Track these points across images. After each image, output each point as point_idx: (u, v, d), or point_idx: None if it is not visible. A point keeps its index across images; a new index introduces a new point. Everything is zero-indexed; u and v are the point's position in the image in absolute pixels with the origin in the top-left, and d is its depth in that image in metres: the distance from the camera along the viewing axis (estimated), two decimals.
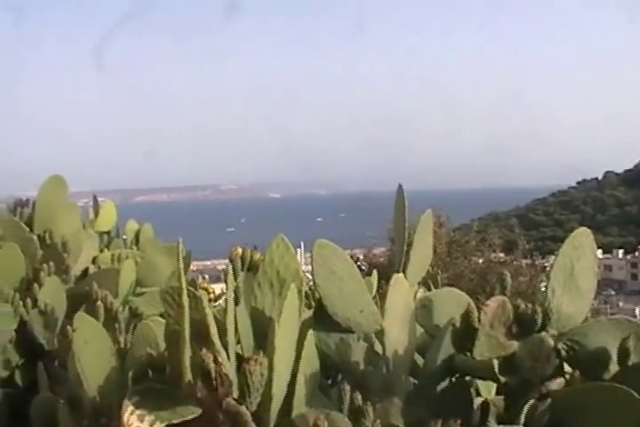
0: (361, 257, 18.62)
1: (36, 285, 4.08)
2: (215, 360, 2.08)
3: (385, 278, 3.64)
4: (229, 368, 2.17)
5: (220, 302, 6.14)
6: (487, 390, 2.89)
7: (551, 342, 2.58)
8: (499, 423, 2.64)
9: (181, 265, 2.39)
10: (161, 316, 3.49)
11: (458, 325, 2.71)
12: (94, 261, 4.54)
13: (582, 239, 2.78)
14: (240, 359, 2.37)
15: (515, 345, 2.58)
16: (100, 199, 5.45)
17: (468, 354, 2.66)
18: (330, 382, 2.81)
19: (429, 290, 3.96)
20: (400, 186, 3.03)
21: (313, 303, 2.91)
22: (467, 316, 2.62)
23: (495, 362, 2.67)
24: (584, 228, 2.85)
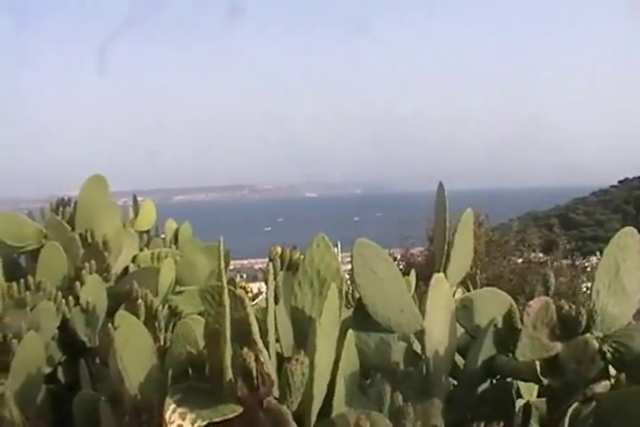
0: (398, 257, 18.53)
1: (77, 283, 4.14)
2: (257, 359, 2.08)
3: (422, 278, 3.61)
4: (271, 368, 2.17)
5: (258, 301, 6.16)
6: (528, 393, 2.85)
7: (596, 344, 2.53)
8: (541, 426, 2.60)
9: (222, 264, 2.39)
10: (200, 314, 3.51)
11: (500, 325, 2.68)
12: (134, 260, 4.58)
13: (628, 239, 2.72)
14: (280, 359, 2.38)
15: (558, 347, 2.54)
16: (139, 199, 5.51)
17: (510, 355, 2.62)
18: (368, 382, 2.79)
19: (468, 290, 3.92)
20: (440, 185, 3.00)
21: (352, 303, 2.90)
22: (509, 317, 2.58)
23: (537, 364, 2.64)
24: (630, 227, 2.78)
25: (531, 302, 2.50)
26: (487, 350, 2.73)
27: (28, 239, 4.54)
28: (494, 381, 2.82)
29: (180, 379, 2.65)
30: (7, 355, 3.63)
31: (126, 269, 4.48)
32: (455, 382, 2.83)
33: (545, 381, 2.61)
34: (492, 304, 2.94)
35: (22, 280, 4.11)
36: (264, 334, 2.31)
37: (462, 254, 3.14)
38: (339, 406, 2.37)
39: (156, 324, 3.78)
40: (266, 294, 2.52)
